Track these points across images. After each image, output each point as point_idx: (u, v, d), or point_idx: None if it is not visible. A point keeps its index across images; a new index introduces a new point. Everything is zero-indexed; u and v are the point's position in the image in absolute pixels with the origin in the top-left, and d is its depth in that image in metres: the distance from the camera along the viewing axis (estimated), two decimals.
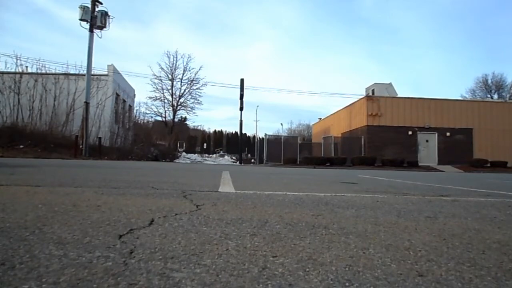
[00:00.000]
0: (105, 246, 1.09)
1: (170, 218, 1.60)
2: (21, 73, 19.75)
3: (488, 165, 19.67)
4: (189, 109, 36.90)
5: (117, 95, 23.99)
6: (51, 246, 1.06)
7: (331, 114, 30.56)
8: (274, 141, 25.17)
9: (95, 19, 17.33)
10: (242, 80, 22.72)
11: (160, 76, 35.22)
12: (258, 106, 59.61)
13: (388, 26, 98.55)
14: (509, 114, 23.01)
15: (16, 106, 19.00)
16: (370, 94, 24.64)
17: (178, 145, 34.40)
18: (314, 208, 2.12)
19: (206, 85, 39.28)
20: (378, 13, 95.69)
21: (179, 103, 36.24)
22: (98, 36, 17.87)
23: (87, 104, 17.33)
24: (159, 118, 36.76)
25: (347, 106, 26.21)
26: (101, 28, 17.67)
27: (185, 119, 40.26)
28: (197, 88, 35.74)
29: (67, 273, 0.84)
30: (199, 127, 69.37)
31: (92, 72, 18.66)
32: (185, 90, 36.01)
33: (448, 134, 22.16)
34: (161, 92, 35.59)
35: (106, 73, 22.32)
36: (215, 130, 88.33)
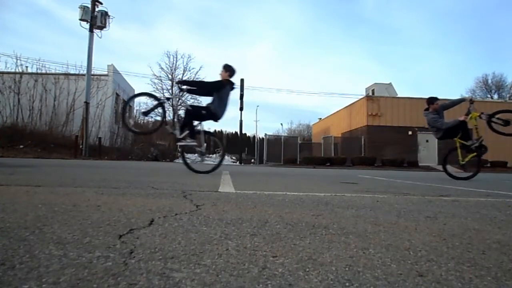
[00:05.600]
0: (105, 246, 1.08)
1: (170, 218, 1.59)
2: (21, 73, 19.78)
3: (488, 165, 19.65)
4: None
5: (117, 95, 23.99)
6: (51, 246, 1.06)
7: (331, 114, 30.56)
8: (274, 141, 25.19)
9: (95, 19, 17.36)
10: (242, 80, 22.72)
11: (160, 76, 35.22)
12: (258, 106, 59.74)
13: (388, 26, 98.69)
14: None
15: (16, 106, 19.03)
16: (370, 94, 24.65)
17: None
18: (314, 208, 2.12)
19: None
20: (379, 13, 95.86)
21: (179, 103, 36.20)
22: (98, 36, 17.90)
23: (87, 104, 17.35)
24: (159, 118, 36.70)
25: (347, 106, 26.21)
26: (101, 28, 17.70)
27: None
28: None
29: (67, 273, 0.84)
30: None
31: (92, 72, 18.68)
32: None
33: None
34: (161, 92, 35.57)
35: (106, 73, 22.36)
36: (215, 130, 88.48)
